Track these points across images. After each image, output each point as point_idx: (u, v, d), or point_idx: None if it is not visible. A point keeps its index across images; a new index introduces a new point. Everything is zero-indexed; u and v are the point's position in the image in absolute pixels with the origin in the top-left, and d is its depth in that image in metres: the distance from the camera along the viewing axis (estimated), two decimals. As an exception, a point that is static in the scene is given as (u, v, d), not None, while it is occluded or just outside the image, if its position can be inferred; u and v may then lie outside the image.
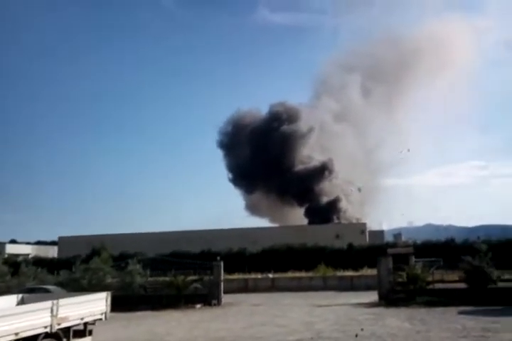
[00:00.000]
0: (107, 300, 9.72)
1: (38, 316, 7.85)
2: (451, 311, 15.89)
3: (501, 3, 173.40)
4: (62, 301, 8.37)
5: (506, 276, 19.27)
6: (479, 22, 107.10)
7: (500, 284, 18.67)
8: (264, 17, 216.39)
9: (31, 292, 15.27)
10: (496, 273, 18.57)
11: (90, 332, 9.48)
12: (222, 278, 21.80)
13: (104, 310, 9.62)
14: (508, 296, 17.64)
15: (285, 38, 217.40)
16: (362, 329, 12.39)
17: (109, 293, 10.03)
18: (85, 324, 9.23)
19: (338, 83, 76.63)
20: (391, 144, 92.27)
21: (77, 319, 8.81)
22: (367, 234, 51.04)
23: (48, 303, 8.06)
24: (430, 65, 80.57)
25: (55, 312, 8.09)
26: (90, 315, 9.16)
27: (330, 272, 29.91)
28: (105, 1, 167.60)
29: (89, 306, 9.11)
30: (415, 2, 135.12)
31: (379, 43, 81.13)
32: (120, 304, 18.80)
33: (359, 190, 61.07)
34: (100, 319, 9.60)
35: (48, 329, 8.04)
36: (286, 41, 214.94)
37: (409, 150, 68.43)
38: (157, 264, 24.76)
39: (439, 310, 16.48)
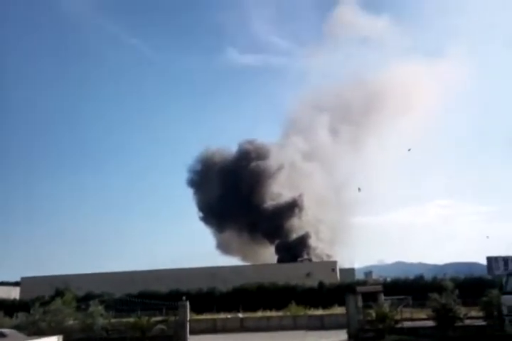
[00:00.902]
0: (58, 344, 9.24)
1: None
2: (420, 350, 15.75)
3: (461, 49, 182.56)
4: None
5: (473, 313, 19.26)
6: (441, 66, 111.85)
7: (467, 321, 18.68)
8: (232, 58, 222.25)
9: (-15, 336, 14.47)
10: (462, 311, 18.62)
11: (41, 378, 8.95)
12: (188, 318, 21.14)
13: (56, 354, 9.13)
14: (475, 334, 17.68)
15: (254, 79, 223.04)
16: None
17: (61, 336, 9.54)
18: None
19: (306, 123, 78.50)
20: (359, 183, 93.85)
21: (26, 364, 8.32)
22: (338, 272, 50.84)
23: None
24: (395, 106, 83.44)
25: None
26: (39, 360, 8.67)
27: (301, 311, 29.43)
28: (75, 42, 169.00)
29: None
30: (380, 47, 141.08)
31: (346, 85, 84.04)
32: (81, 347, 18.22)
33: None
34: (51, 363, 9.09)
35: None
36: (255, 82, 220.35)
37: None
38: (123, 305, 23.97)
39: (408, 349, 16.32)
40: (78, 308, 21.26)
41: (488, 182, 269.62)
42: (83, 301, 23.06)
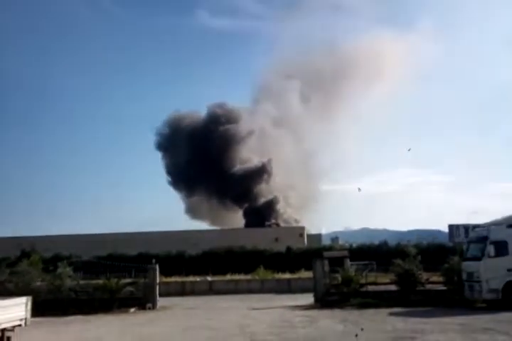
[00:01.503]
0: (26, 305, 9.13)
1: None
2: (383, 313, 16.32)
3: (433, 22, 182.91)
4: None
5: (435, 279, 20.01)
6: (413, 38, 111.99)
7: (429, 286, 19.45)
8: (202, 20, 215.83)
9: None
10: (424, 276, 19.35)
11: (9, 339, 8.90)
12: (157, 281, 21.31)
13: (24, 316, 9.03)
14: (435, 298, 18.44)
15: (224, 42, 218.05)
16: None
17: (30, 297, 9.43)
18: (2, 330, 8.65)
19: (277, 89, 77.62)
20: (329, 150, 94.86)
21: (-8, 325, 8.23)
22: (305, 237, 51.87)
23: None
24: (366, 74, 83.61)
25: (-35, 319, 7.52)
26: (7, 321, 8.57)
27: (269, 275, 30.07)
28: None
29: (6, 312, 8.51)
30: (352, 15, 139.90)
31: (317, 52, 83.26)
32: (49, 308, 18.19)
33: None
34: (19, 325, 9.01)
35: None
36: (225, 45, 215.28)
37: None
38: (91, 267, 23.92)
39: (372, 311, 16.89)
40: (46, 270, 21.10)
41: (452, 153, 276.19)
42: (51, 263, 22.88)
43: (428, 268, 20.07)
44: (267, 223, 61.57)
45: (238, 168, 68.79)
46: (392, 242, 39.92)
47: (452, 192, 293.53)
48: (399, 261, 19.57)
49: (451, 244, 37.05)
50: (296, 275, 29.90)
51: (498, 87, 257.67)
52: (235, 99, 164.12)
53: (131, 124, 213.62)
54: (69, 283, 19.98)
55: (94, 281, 21.57)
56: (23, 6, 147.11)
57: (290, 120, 75.02)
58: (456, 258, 19.27)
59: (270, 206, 65.56)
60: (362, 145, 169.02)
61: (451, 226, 48.04)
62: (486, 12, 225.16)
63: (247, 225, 64.15)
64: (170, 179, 76.27)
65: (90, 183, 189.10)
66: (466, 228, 42.34)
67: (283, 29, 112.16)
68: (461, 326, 12.88)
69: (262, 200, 67.00)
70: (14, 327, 8.87)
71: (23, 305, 9.04)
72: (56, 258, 27.87)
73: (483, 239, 17.16)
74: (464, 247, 19.28)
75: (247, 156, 70.91)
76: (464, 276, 17.79)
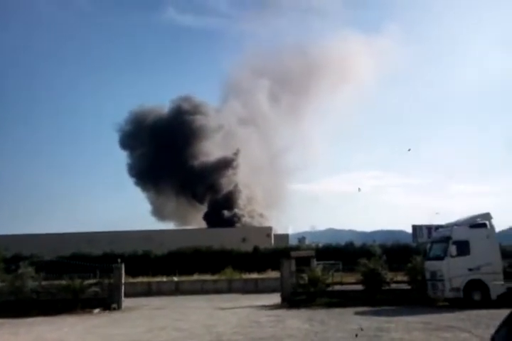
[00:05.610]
0: (-13, 306, 8.83)
1: None
2: (349, 312, 16.48)
3: (399, 27, 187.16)
4: None
5: (399, 278, 20.38)
6: (378, 42, 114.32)
7: (393, 286, 19.80)
8: (171, 18, 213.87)
9: None
10: (389, 275, 19.70)
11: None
12: (123, 281, 20.96)
13: (-16, 317, 8.74)
14: (399, 297, 18.76)
15: (192, 40, 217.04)
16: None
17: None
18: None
19: (246, 88, 77.57)
20: (296, 150, 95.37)
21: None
22: (272, 237, 52.02)
23: None
24: (334, 76, 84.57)
25: None
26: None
27: (236, 275, 30.04)
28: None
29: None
30: (322, 17, 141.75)
31: (287, 52, 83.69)
32: (10, 310, 17.71)
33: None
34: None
35: None
36: (193, 43, 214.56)
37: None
38: (54, 267, 23.29)
39: (338, 310, 17.04)
40: (7, 270, 20.46)
41: (416, 156, 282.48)
42: (11, 262, 22.19)
43: (392, 268, 20.46)
44: (227, 214, 60.98)
45: (203, 160, 67.45)
46: (357, 242, 40.57)
47: (416, 194, 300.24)
48: (364, 261, 19.86)
49: (414, 244, 37.85)
50: (263, 275, 29.99)
51: (466, 87, 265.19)
52: (204, 96, 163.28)
53: (96, 120, 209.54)
54: (30, 283, 19.43)
55: (57, 282, 21.02)
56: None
57: (258, 118, 74.95)
58: (419, 258, 19.66)
59: (231, 197, 64.92)
60: (329, 146, 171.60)
61: (414, 227, 48.93)
62: (453, 14, 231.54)
63: (207, 216, 63.37)
64: (136, 179, 74.20)
65: (54, 182, 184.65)
66: (429, 228, 43.23)
67: (253, 29, 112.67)
68: (424, 324, 13.12)
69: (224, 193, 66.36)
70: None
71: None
72: (17, 258, 27.09)
73: (445, 239, 17.55)
74: (427, 247, 19.67)
75: (212, 152, 69.77)
76: (427, 275, 18.17)
